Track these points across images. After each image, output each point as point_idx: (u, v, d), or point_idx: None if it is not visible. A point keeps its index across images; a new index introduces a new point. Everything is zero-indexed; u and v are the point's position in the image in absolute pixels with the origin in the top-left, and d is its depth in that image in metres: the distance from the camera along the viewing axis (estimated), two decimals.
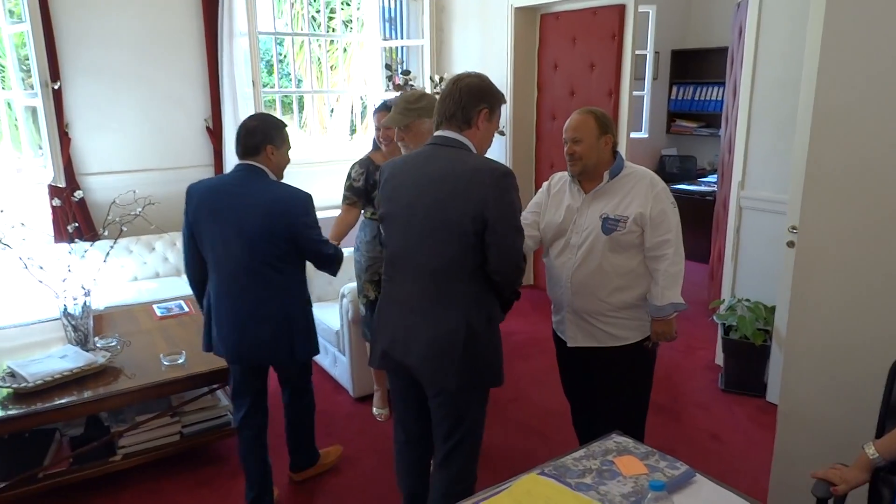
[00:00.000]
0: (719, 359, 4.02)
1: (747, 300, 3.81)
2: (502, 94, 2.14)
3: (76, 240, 3.14)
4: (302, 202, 2.50)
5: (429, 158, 2.06)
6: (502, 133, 5.26)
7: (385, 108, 3.14)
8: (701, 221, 6.10)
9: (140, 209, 3.03)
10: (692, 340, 4.53)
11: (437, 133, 2.08)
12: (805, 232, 2.27)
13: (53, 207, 4.35)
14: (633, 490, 1.63)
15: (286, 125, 2.61)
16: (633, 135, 7.04)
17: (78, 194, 3.27)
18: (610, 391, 2.58)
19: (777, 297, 3.52)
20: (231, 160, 5.10)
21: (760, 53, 3.73)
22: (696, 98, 7.46)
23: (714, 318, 3.96)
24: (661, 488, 1.39)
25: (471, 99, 2.03)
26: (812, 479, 1.79)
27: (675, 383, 3.93)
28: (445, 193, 1.97)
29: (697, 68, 7.39)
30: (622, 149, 4.93)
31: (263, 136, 2.49)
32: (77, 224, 3.40)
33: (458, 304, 2.02)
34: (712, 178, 6.81)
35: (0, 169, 4.63)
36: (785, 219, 3.39)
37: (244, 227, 2.43)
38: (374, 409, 3.56)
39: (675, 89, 7.62)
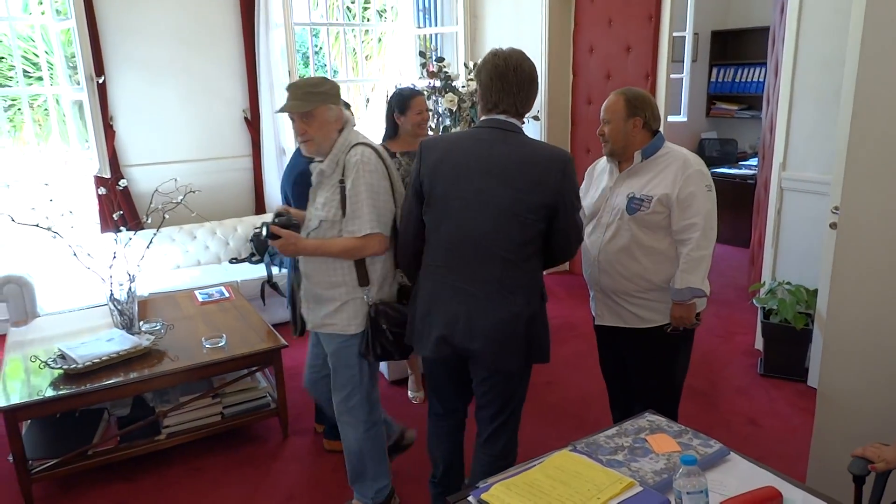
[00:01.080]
0: (759, 343, 3.95)
1: (788, 283, 3.73)
2: None
3: (121, 228, 3.24)
4: (292, 170, 2.74)
5: (493, 142, 2.04)
6: (537, 118, 5.23)
7: (418, 93, 3.17)
8: (741, 205, 5.98)
9: (181, 197, 3.11)
10: (731, 325, 4.45)
11: (495, 117, 2.07)
12: (847, 213, 2.21)
13: (99, 197, 4.50)
14: (665, 467, 1.63)
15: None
16: (672, 118, 6.92)
17: (122, 182, 3.38)
18: (640, 372, 2.56)
19: (819, 280, 3.44)
20: (269, 150, 5.20)
21: (803, 30, 3.62)
22: (737, 80, 7.29)
23: (754, 301, 3.89)
24: (693, 463, 1.38)
25: (534, 89, 2.09)
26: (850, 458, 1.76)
27: (714, 368, 3.87)
28: (523, 182, 1.99)
29: (738, 49, 7.22)
30: None
31: None
32: (122, 212, 3.51)
33: (522, 287, 2.06)
34: (753, 162, 6.66)
35: (50, 162, 4.80)
36: (828, 200, 3.30)
37: None
38: (410, 393, 3.61)
39: (715, 71, 7.46)
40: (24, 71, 4.89)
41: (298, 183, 2.65)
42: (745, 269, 5.21)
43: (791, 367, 3.66)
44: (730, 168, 6.70)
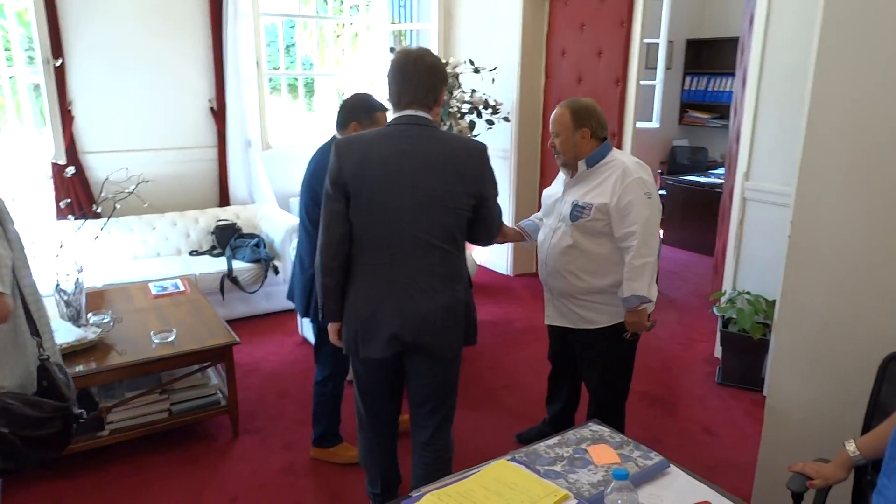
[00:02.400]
0: (718, 352, 3.96)
1: (748, 293, 3.74)
2: None
3: (69, 216, 3.13)
4: (318, 173, 2.59)
5: (413, 138, 2.03)
6: (507, 119, 5.20)
7: None
8: (708, 214, 6.02)
9: (133, 187, 3.02)
10: (692, 333, 4.47)
11: (407, 113, 2.05)
12: (799, 225, 2.22)
13: (55, 185, 4.37)
14: (603, 479, 1.60)
15: (381, 108, 2.67)
16: (643, 125, 6.95)
17: (69, 170, 3.25)
18: (588, 371, 2.67)
19: (778, 290, 3.45)
20: (234, 142, 5.10)
21: (769, 42, 3.64)
22: (710, 88, 7.34)
23: (714, 310, 3.90)
24: (625, 478, 1.35)
25: (437, 80, 2.09)
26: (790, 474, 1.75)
27: (673, 375, 3.88)
28: (450, 174, 2.02)
29: (712, 58, 7.26)
30: (627, 139, 4.87)
31: (349, 112, 2.65)
32: (69, 200, 3.39)
33: (458, 274, 2.12)
34: (722, 171, 6.71)
35: (4, 146, 4.64)
36: (788, 211, 3.31)
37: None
38: None
39: (688, 79, 7.50)
40: None
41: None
42: (709, 277, 5.24)
43: (748, 376, 3.68)
44: (699, 176, 6.74)
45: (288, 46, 6.88)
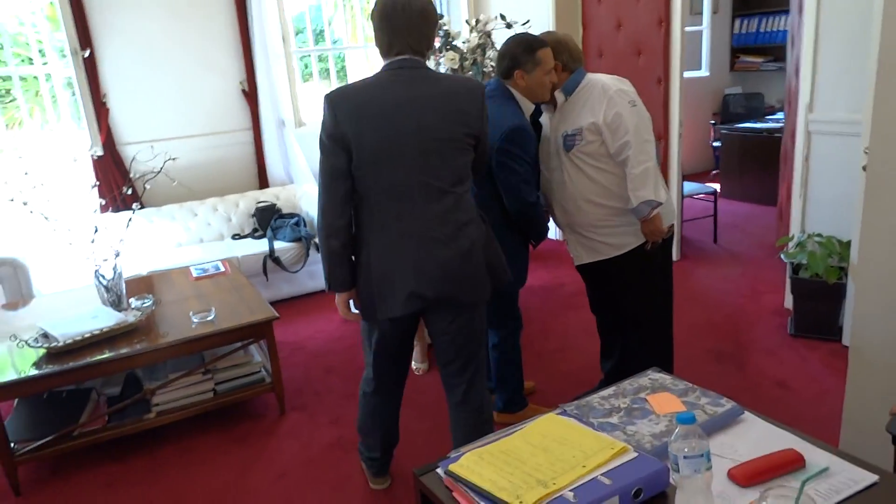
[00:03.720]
0: (788, 302, 3.67)
1: (819, 235, 3.44)
2: None
3: (102, 200, 3.10)
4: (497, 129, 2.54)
5: (409, 81, 1.94)
6: None
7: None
8: (768, 161, 5.65)
9: (160, 166, 2.95)
10: (758, 285, 4.18)
11: (401, 58, 1.96)
12: (876, 152, 1.96)
13: (98, 178, 4.36)
14: (666, 429, 1.42)
15: (542, 44, 2.39)
16: (691, 74, 6.58)
17: (95, 151, 3.21)
18: (626, 304, 2.62)
19: (853, 229, 3.15)
20: (268, 123, 5.01)
21: None
22: (762, 30, 6.89)
23: (782, 256, 3.61)
24: (691, 422, 1.17)
25: (429, 26, 2.00)
26: (888, 416, 1.53)
27: (740, 329, 3.62)
28: (452, 113, 1.95)
29: None
30: (675, 88, 4.56)
31: (512, 60, 2.43)
32: (98, 183, 3.35)
33: (469, 214, 2.04)
34: (781, 115, 6.28)
35: (45, 141, 4.67)
36: (859, 141, 3.00)
37: None
38: (414, 364, 3.43)
39: (737, 23, 7.06)
40: (21, 55, 4.74)
41: (512, 140, 2.35)
42: (773, 227, 4.90)
43: (824, 325, 3.39)
44: (755, 122, 6.33)
45: (318, 33, 6.77)
